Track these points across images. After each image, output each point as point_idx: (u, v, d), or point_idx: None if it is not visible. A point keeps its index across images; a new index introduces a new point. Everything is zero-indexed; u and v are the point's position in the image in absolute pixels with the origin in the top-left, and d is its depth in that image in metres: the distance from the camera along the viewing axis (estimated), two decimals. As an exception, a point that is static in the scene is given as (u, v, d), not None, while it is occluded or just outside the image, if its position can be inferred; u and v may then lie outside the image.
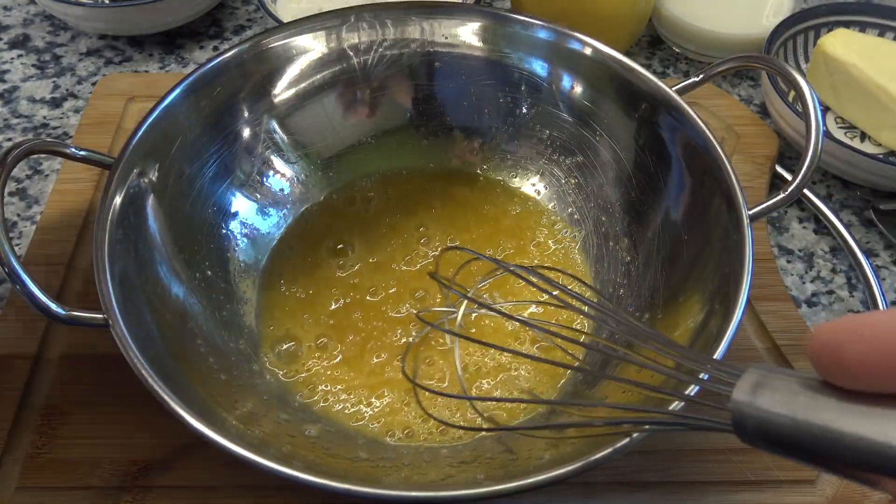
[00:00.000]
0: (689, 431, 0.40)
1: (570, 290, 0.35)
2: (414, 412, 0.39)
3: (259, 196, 0.46)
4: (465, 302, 0.41)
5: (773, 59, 0.42)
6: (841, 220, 0.51)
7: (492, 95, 0.48)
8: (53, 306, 0.33)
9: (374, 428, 0.39)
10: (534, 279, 0.37)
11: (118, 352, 0.32)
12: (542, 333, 0.40)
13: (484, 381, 0.41)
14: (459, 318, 0.41)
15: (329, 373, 0.41)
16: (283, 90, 0.46)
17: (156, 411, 0.31)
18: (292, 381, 0.40)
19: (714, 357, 0.33)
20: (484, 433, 0.38)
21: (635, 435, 0.30)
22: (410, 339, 0.42)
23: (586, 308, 0.35)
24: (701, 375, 0.28)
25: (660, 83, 0.43)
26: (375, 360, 0.41)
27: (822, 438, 0.18)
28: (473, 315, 0.43)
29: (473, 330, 0.43)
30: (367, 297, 0.44)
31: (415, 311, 0.43)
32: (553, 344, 0.34)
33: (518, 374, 0.41)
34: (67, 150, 0.38)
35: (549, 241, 0.47)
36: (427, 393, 0.39)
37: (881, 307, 0.47)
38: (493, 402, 0.40)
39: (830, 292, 0.49)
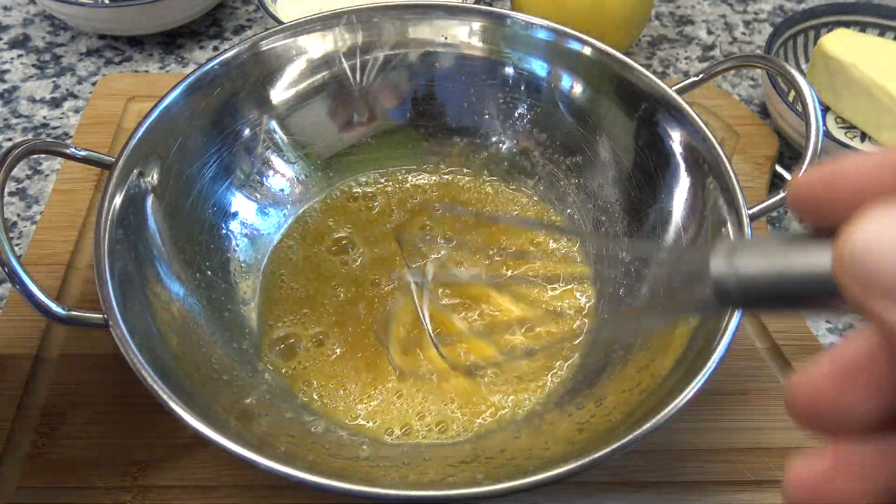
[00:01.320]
0: (677, 320, 0.39)
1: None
2: (413, 410, 0.39)
3: (259, 196, 0.46)
4: (431, 263, 0.42)
5: (773, 59, 0.42)
6: (841, 220, 0.51)
7: (491, 95, 0.48)
8: (53, 306, 0.33)
9: (372, 426, 0.39)
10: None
11: (118, 352, 0.32)
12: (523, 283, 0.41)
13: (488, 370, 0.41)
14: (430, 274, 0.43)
15: (328, 369, 0.41)
16: (283, 90, 0.46)
17: (156, 411, 0.31)
18: (293, 379, 0.40)
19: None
20: (479, 429, 0.38)
21: (635, 434, 0.30)
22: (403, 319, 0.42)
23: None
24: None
25: (660, 83, 0.43)
26: (378, 352, 0.41)
27: (802, 277, 0.18)
28: (471, 312, 0.43)
29: (474, 316, 0.43)
30: (369, 294, 0.44)
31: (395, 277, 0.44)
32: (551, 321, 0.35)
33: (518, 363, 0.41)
34: (67, 150, 0.38)
35: (549, 241, 0.47)
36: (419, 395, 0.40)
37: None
38: (495, 386, 0.40)
39: (830, 292, 0.49)
